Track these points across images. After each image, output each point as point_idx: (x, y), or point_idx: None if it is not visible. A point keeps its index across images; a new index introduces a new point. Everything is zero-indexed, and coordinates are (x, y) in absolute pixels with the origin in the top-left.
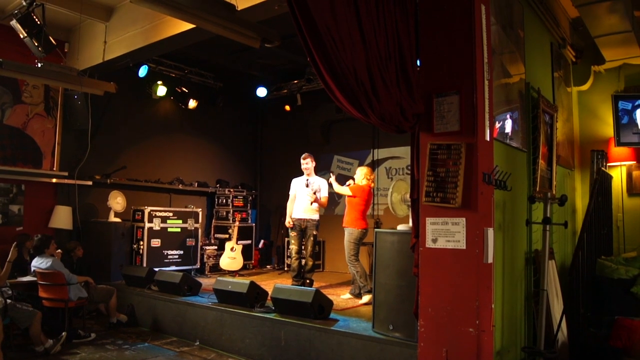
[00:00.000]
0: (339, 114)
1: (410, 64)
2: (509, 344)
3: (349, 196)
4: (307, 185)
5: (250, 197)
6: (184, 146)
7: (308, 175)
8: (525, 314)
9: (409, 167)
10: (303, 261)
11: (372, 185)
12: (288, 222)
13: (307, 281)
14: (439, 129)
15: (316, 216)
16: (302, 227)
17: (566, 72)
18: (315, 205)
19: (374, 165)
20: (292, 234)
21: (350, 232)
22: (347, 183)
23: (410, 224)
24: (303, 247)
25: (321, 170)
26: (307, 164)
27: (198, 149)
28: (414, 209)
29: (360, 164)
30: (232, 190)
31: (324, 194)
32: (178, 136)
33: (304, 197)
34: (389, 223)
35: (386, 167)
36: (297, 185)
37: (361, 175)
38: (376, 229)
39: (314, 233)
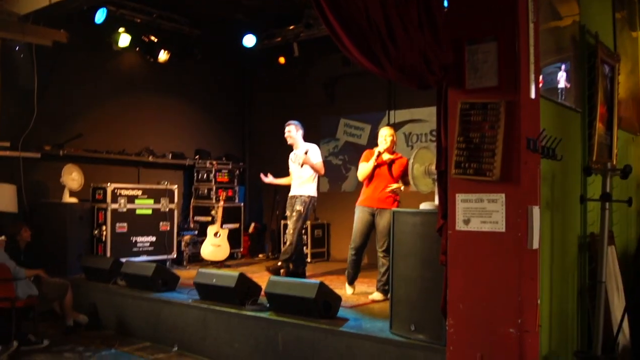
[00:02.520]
0: (347, 66)
1: (436, 2)
2: (559, 348)
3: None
4: (293, 160)
5: (237, 171)
6: (154, 109)
7: (293, 145)
8: (579, 312)
9: (434, 133)
10: (307, 246)
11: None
12: (268, 177)
13: (282, 269)
14: (472, 84)
15: (307, 191)
16: (292, 204)
17: (631, 12)
18: (306, 184)
19: None
20: (288, 214)
21: (390, 214)
22: (377, 151)
23: (437, 201)
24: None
25: (325, 137)
26: (288, 133)
27: (172, 113)
28: (440, 183)
29: (373, 130)
30: (214, 162)
31: (314, 160)
32: (147, 97)
33: (293, 174)
34: (409, 201)
35: (405, 132)
36: (290, 159)
37: (393, 135)
38: (394, 209)
39: (299, 209)
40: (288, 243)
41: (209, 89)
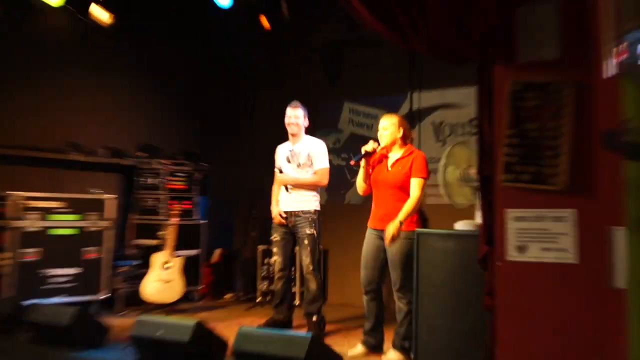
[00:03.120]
0: (353, 32)
1: None
2: None
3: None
4: (289, 159)
5: (198, 175)
6: (83, 90)
7: (294, 137)
8: None
9: (474, 122)
10: (295, 285)
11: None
12: (276, 215)
13: (314, 318)
14: (526, 57)
15: (312, 205)
16: (289, 225)
17: None
18: (306, 192)
19: (412, 120)
20: (275, 236)
21: (406, 236)
22: (370, 148)
23: (478, 219)
24: (299, 258)
25: (323, 128)
26: (296, 119)
27: (108, 95)
28: (483, 194)
29: None
30: (166, 162)
31: (319, 164)
32: (73, 72)
33: (287, 179)
34: (439, 218)
35: (434, 121)
36: (281, 157)
37: (393, 126)
38: (418, 229)
39: (310, 232)
40: (312, 286)
41: (163, 65)
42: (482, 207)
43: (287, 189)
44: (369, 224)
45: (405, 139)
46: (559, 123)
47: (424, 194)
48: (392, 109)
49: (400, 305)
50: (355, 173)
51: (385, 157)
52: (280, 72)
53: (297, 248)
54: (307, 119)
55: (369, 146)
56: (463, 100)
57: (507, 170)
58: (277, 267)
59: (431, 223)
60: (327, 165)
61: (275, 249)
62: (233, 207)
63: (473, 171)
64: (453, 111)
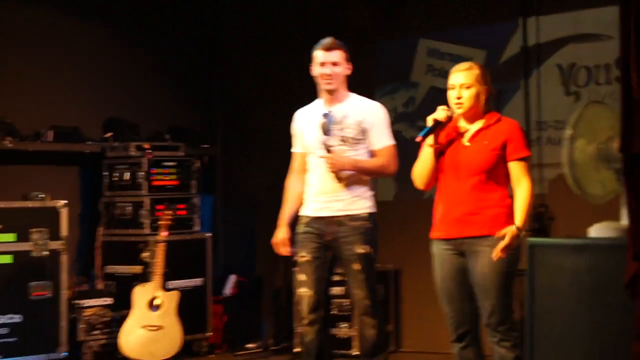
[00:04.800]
0: None
1: None
2: None
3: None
4: (326, 128)
5: (197, 164)
6: (24, 51)
7: (331, 95)
8: None
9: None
10: (342, 328)
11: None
12: (280, 241)
13: None
14: None
15: (366, 205)
16: (325, 241)
17: None
18: (357, 184)
19: (526, 61)
20: (303, 254)
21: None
22: (443, 116)
23: (624, 221)
24: (346, 287)
25: (384, 82)
26: (333, 67)
27: (59, 55)
28: (632, 181)
29: (492, 60)
30: (146, 146)
31: (381, 140)
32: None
33: (323, 160)
34: (565, 219)
35: (561, 62)
36: (305, 128)
37: (477, 82)
38: (529, 239)
39: (363, 250)
40: (370, 333)
41: (137, 10)
42: (630, 203)
43: (340, 179)
44: (436, 233)
45: (489, 103)
46: None
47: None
48: (497, 45)
49: (501, 351)
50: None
51: (456, 129)
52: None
53: (340, 271)
54: (348, 63)
55: (441, 113)
56: (607, 27)
57: None
58: (306, 306)
59: (556, 225)
60: (393, 140)
61: (302, 277)
62: (255, 212)
63: (616, 146)
64: (591, 46)
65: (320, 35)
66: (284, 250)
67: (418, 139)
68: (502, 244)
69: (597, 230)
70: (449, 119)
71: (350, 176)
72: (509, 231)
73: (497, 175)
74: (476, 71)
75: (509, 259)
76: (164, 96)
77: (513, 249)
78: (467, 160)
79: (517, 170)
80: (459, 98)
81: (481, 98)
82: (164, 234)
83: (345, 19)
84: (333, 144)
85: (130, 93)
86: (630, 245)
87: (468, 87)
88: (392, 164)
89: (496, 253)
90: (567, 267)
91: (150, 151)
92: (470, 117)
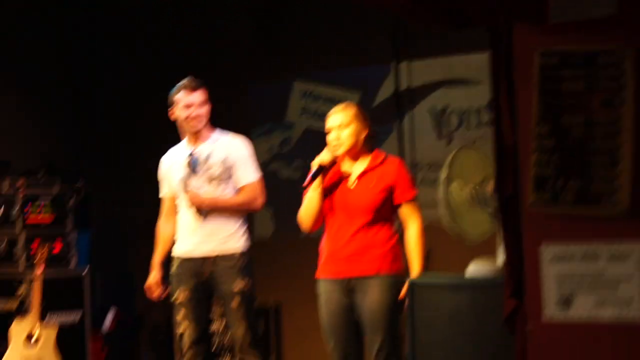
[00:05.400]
0: None
1: None
2: None
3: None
4: (193, 166)
5: (71, 200)
6: None
7: (195, 136)
8: None
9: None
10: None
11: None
12: (152, 284)
13: None
14: (562, 13)
15: (240, 243)
16: (201, 279)
17: None
18: (229, 221)
19: (400, 106)
20: (179, 294)
21: (393, 285)
22: (328, 159)
23: (500, 260)
24: (222, 324)
25: (259, 121)
26: (198, 108)
27: None
28: (506, 221)
29: (365, 102)
30: (20, 181)
31: (246, 176)
32: None
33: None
34: (443, 259)
35: (433, 107)
36: (171, 171)
37: (355, 121)
38: (412, 279)
39: (240, 288)
40: None
41: (5, 44)
42: (506, 242)
43: (201, 214)
44: (323, 272)
45: (371, 140)
46: (617, 114)
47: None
48: (369, 87)
49: None
50: None
51: (339, 172)
52: (186, 37)
53: (219, 308)
54: (208, 103)
55: (326, 156)
56: (478, 73)
57: (539, 186)
58: (188, 339)
59: (431, 261)
60: (258, 174)
61: (181, 315)
62: (132, 247)
63: (490, 188)
64: (463, 90)
65: (193, 75)
66: (157, 292)
67: (305, 184)
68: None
69: (474, 269)
70: (333, 162)
71: (219, 215)
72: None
73: (384, 215)
74: (352, 110)
75: (395, 294)
76: (37, 132)
77: (395, 282)
78: (354, 202)
79: (406, 211)
80: (338, 139)
81: (360, 136)
82: (39, 271)
83: (220, 59)
84: (198, 185)
85: (1, 129)
86: (507, 282)
87: (346, 126)
88: (258, 198)
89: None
90: (446, 305)
91: (23, 187)
92: (353, 157)
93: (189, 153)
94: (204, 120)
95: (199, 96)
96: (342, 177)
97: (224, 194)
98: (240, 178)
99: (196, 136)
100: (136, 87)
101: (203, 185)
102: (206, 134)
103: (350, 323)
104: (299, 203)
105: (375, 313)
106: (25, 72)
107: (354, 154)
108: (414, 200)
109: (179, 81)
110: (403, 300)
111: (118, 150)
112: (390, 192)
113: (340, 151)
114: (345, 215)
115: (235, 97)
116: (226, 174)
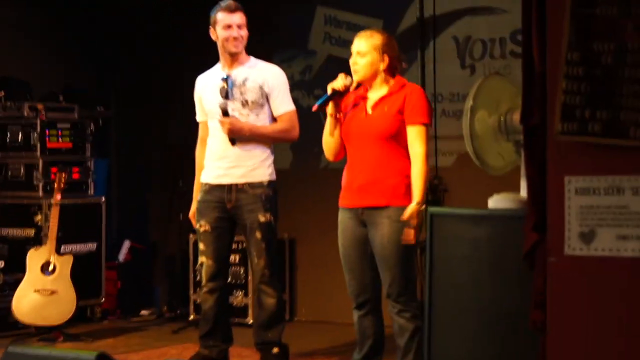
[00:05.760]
0: None
1: None
2: None
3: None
4: (226, 93)
5: (91, 126)
6: None
7: (233, 58)
8: None
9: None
10: (237, 296)
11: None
12: (192, 211)
13: (274, 350)
14: None
15: (266, 173)
16: (226, 209)
17: None
18: (258, 150)
19: (422, 32)
20: (203, 223)
21: (397, 216)
22: (341, 85)
23: (523, 192)
24: (246, 256)
25: (282, 49)
26: (239, 30)
27: None
28: (531, 152)
29: (390, 28)
30: (39, 107)
31: (283, 104)
32: None
33: (223, 128)
34: (464, 190)
35: (457, 35)
36: (205, 94)
37: (373, 51)
38: (431, 208)
39: (264, 219)
40: (269, 302)
41: None
42: (529, 174)
43: (233, 142)
44: (342, 201)
45: (393, 70)
46: None
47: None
48: (392, 15)
49: (400, 321)
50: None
51: (363, 97)
52: None
53: (243, 239)
54: (246, 28)
55: (339, 82)
56: (503, 1)
57: (566, 116)
58: (205, 274)
59: (451, 197)
60: (293, 106)
61: (202, 246)
62: (148, 176)
63: (517, 117)
64: (487, 19)
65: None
66: (196, 224)
67: (314, 108)
68: (411, 222)
69: (496, 202)
70: (347, 88)
71: (250, 142)
72: (410, 211)
73: (399, 143)
74: (376, 39)
75: (392, 230)
76: (57, 56)
77: (420, 225)
78: (368, 128)
79: (412, 136)
80: (354, 65)
81: (378, 66)
82: (58, 197)
83: None
84: (234, 107)
85: (22, 51)
86: (529, 215)
87: (364, 55)
88: (294, 128)
89: (406, 238)
90: (467, 237)
91: (44, 112)
92: (372, 85)
93: (224, 76)
94: (243, 42)
95: (239, 18)
96: (361, 105)
97: (258, 119)
98: (277, 106)
99: (233, 59)
100: (156, 11)
101: (236, 109)
102: (243, 58)
103: (366, 254)
104: (318, 134)
105: (385, 248)
106: None
107: (373, 82)
108: (421, 126)
109: (200, 4)
110: (417, 234)
111: (139, 76)
112: (403, 115)
113: (356, 78)
114: (360, 142)
115: (256, 20)
116: (261, 100)
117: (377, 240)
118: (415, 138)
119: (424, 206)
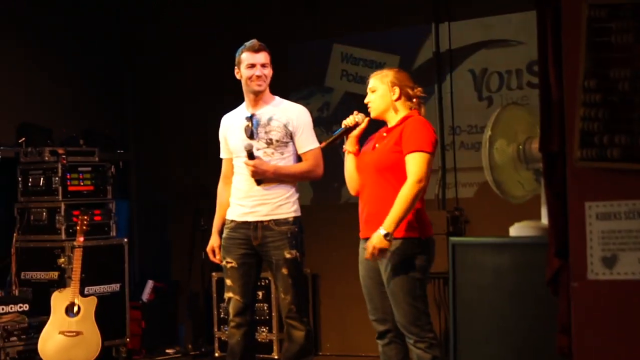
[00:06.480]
0: None
1: None
2: None
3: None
4: (251, 132)
5: (112, 169)
6: None
7: (256, 97)
8: None
9: (533, 70)
10: (262, 332)
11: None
12: (211, 246)
13: None
14: None
15: (291, 210)
16: (252, 246)
17: None
18: (282, 189)
19: (438, 66)
20: (229, 260)
21: (401, 250)
22: (352, 121)
23: (544, 219)
24: (274, 295)
25: (299, 87)
26: (263, 69)
27: None
28: (551, 179)
29: (405, 65)
30: (60, 151)
31: (307, 143)
32: None
33: (247, 169)
34: (486, 220)
35: (473, 68)
36: (229, 132)
37: (383, 85)
38: (451, 237)
39: (291, 255)
40: (297, 336)
41: (47, 13)
42: (549, 201)
43: (258, 183)
44: (360, 232)
45: (408, 103)
46: None
47: (428, 175)
48: (410, 51)
49: (418, 352)
50: None
51: (381, 134)
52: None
53: (269, 275)
54: (271, 67)
55: (350, 119)
56: (518, 33)
57: (585, 142)
58: (232, 310)
59: (473, 228)
60: (317, 144)
61: (229, 282)
62: (169, 216)
63: (535, 146)
64: (503, 51)
65: (233, 39)
66: (218, 256)
67: (322, 144)
68: (369, 247)
69: (517, 230)
70: (357, 124)
71: (275, 181)
72: (374, 236)
73: (396, 176)
74: (385, 74)
75: (411, 263)
76: (77, 100)
77: (385, 254)
78: (369, 162)
79: (406, 164)
80: (368, 102)
81: (390, 98)
82: (80, 240)
83: (259, 22)
84: (259, 146)
85: (42, 98)
86: (551, 242)
87: (374, 91)
88: (319, 167)
89: (367, 254)
90: (489, 266)
91: (64, 156)
92: (388, 120)
93: (248, 115)
94: (267, 81)
95: (263, 57)
96: (375, 140)
97: (283, 157)
98: (302, 144)
99: (257, 98)
100: (176, 54)
101: (261, 147)
102: (267, 97)
103: (381, 284)
104: (338, 170)
105: (389, 281)
106: (65, 41)
107: (388, 116)
108: (413, 153)
109: (219, 46)
110: (424, 267)
111: (157, 119)
112: (401, 150)
113: (373, 115)
114: (364, 175)
115: (274, 60)
116: (286, 139)
117: (383, 272)
118: (408, 165)
119: (389, 237)
